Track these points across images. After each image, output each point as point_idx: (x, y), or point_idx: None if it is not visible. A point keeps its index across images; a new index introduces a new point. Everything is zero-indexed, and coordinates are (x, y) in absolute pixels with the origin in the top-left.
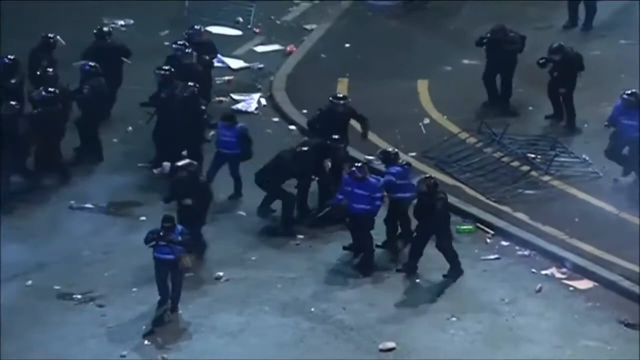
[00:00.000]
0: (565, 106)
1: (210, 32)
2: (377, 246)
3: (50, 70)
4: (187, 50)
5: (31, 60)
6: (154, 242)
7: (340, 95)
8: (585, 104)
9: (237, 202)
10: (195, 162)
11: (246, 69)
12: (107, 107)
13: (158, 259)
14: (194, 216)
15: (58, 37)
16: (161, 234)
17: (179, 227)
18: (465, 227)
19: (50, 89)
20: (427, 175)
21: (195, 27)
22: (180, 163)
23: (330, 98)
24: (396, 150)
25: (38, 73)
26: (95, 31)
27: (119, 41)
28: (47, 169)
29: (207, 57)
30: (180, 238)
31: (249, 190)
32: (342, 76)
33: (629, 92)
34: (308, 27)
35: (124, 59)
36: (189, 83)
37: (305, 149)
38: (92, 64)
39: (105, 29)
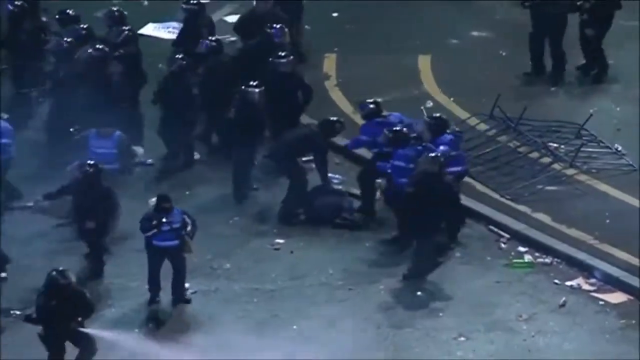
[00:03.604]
0: (594, 55)
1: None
2: None
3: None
4: (280, 27)
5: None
6: (154, 230)
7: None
8: (617, 83)
9: (205, 200)
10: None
11: None
12: None
13: (157, 248)
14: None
15: None
16: (163, 218)
17: (176, 207)
18: (520, 261)
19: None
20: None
21: None
22: (76, 163)
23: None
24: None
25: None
26: None
27: None
28: None
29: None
30: (181, 220)
31: (219, 188)
32: (329, 51)
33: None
34: None
35: None
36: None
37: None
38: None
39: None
